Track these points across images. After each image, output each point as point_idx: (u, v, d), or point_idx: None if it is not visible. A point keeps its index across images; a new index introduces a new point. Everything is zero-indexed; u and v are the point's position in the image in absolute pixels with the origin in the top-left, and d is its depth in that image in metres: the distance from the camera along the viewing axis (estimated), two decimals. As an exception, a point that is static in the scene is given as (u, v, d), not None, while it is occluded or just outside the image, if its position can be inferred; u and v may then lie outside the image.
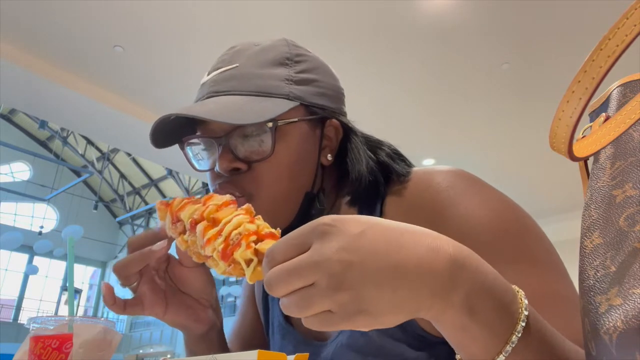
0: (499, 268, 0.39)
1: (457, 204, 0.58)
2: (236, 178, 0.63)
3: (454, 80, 4.19)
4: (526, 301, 0.37)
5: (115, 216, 18.51)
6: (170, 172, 14.26)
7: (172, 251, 0.63)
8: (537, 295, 0.47)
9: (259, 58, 0.66)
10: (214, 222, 0.50)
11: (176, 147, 0.70)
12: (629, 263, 0.28)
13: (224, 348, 0.71)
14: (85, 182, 17.34)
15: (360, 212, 0.67)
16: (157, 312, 0.63)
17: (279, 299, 0.40)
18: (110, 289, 0.59)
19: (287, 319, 0.74)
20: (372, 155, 0.68)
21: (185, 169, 6.79)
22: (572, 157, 0.33)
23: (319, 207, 0.67)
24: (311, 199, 0.67)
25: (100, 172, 15.88)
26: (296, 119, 0.64)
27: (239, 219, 0.49)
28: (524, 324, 0.35)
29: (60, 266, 17.25)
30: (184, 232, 0.55)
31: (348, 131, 0.69)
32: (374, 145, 0.71)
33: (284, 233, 0.65)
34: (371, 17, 3.56)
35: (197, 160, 0.68)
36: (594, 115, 0.43)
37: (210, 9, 3.57)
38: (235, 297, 13.44)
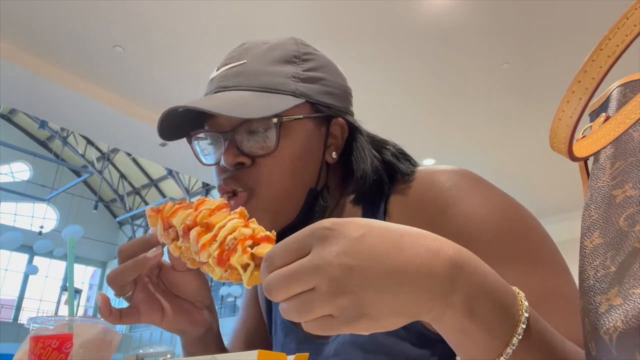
0: (502, 267, 0.39)
1: (460, 203, 0.58)
2: (240, 173, 0.64)
3: (454, 80, 4.19)
4: (526, 303, 0.37)
5: (115, 216, 18.51)
6: (170, 172, 14.25)
7: (164, 257, 0.62)
8: (539, 295, 0.46)
9: (267, 55, 0.67)
10: (208, 227, 0.49)
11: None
12: (629, 263, 0.28)
13: (221, 349, 0.71)
14: (85, 182, 17.34)
15: (365, 211, 0.67)
16: (153, 319, 0.62)
17: None
18: (106, 300, 0.58)
19: None
20: (377, 155, 0.69)
21: (185, 168, 6.79)
22: (572, 157, 0.33)
23: (322, 204, 0.67)
24: (315, 195, 0.67)
25: (100, 172, 15.88)
26: (301, 116, 0.65)
27: (234, 223, 0.48)
28: (524, 326, 0.35)
29: (60, 266, 17.26)
30: (176, 238, 0.54)
31: (354, 130, 0.70)
32: (379, 144, 0.71)
33: (287, 230, 0.66)
34: (371, 17, 3.56)
35: (204, 155, 0.69)
36: (594, 115, 0.43)
37: (210, 9, 3.57)
38: (235, 297, 13.45)
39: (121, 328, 14.58)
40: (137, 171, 16.39)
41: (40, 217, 16.49)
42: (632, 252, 0.28)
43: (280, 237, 0.42)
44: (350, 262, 0.33)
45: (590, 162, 0.40)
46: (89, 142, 15.29)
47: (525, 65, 3.94)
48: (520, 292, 0.38)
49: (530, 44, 3.71)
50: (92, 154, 15.79)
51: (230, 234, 0.47)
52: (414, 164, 0.69)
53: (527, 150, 5.11)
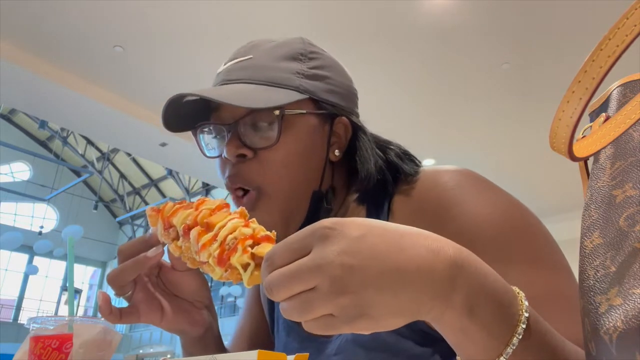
0: (504, 267, 0.39)
1: (464, 203, 0.58)
2: (243, 168, 0.64)
3: (454, 80, 4.20)
4: (526, 303, 0.37)
5: (115, 216, 18.51)
6: (170, 172, 14.26)
7: (164, 256, 0.62)
8: (541, 295, 0.47)
9: (274, 52, 0.68)
10: (208, 227, 0.49)
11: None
12: (629, 263, 0.28)
13: (221, 349, 0.71)
14: (85, 182, 17.34)
15: (369, 210, 0.68)
16: (153, 319, 0.63)
17: None
18: (106, 299, 0.59)
19: None
20: (381, 155, 0.69)
21: (185, 168, 6.79)
22: (572, 157, 0.33)
23: (326, 207, 0.68)
24: (319, 198, 0.67)
25: (100, 172, 15.88)
26: (304, 112, 0.66)
27: (234, 222, 0.48)
28: (524, 326, 0.35)
29: (60, 266, 17.26)
30: (177, 238, 0.54)
31: (357, 130, 0.70)
32: (383, 145, 0.72)
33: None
34: (371, 18, 3.56)
35: (208, 149, 0.70)
36: (594, 115, 0.43)
37: (210, 9, 3.57)
38: (235, 297, 13.45)
39: (121, 328, 14.59)
40: (137, 171, 16.39)
41: (40, 217, 16.49)
42: (632, 252, 0.28)
43: (280, 238, 0.42)
44: (351, 262, 0.33)
45: (590, 162, 0.40)
46: (89, 142, 15.29)
47: (525, 65, 3.94)
48: (521, 292, 0.38)
49: (530, 44, 3.71)
50: (92, 154, 15.79)
51: (231, 233, 0.47)
52: (418, 165, 0.70)
53: (527, 150, 5.12)
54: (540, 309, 0.39)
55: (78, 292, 16.75)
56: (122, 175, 16.97)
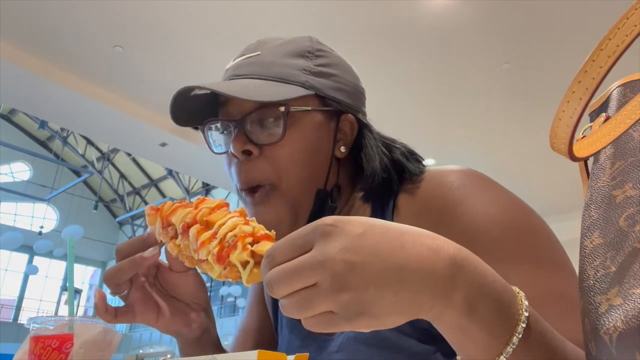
0: (507, 266, 0.39)
1: (468, 202, 0.58)
2: (251, 168, 0.65)
3: (454, 80, 4.20)
4: (526, 302, 0.37)
5: (115, 216, 18.51)
6: (170, 172, 14.26)
7: (161, 257, 0.62)
8: (542, 295, 0.47)
9: (281, 49, 0.69)
10: (208, 225, 0.49)
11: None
12: (629, 263, 0.28)
13: (219, 351, 0.71)
14: (85, 182, 17.35)
15: (374, 209, 0.68)
16: (148, 319, 0.62)
17: None
18: (102, 297, 0.59)
19: None
20: (387, 153, 0.69)
21: (185, 168, 6.79)
22: (572, 157, 0.33)
23: (331, 205, 0.68)
24: (324, 196, 0.67)
25: (100, 172, 15.88)
26: (310, 108, 0.66)
27: (234, 221, 0.48)
28: (524, 325, 0.35)
29: (60, 266, 17.26)
30: (175, 236, 0.54)
31: (363, 128, 0.71)
32: (388, 144, 0.72)
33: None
34: (371, 18, 3.56)
35: (215, 145, 0.71)
36: (594, 115, 0.43)
37: (211, 9, 3.57)
38: (235, 297, 13.43)
39: (121, 328, 14.59)
40: (137, 171, 16.39)
41: (40, 217, 16.50)
42: (632, 252, 0.28)
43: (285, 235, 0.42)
44: (353, 259, 0.33)
45: (590, 162, 0.40)
46: (89, 142, 15.29)
47: (525, 65, 3.95)
48: (520, 291, 0.38)
49: (530, 44, 3.71)
50: (92, 154, 15.79)
51: (231, 231, 0.47)
52: (423, 165, 0.70)
53: (527, 150, 5.11)
54: (541, 309, 0.39)
55: (78, 292, 16.75)
56: (122, 175, 16.97)
